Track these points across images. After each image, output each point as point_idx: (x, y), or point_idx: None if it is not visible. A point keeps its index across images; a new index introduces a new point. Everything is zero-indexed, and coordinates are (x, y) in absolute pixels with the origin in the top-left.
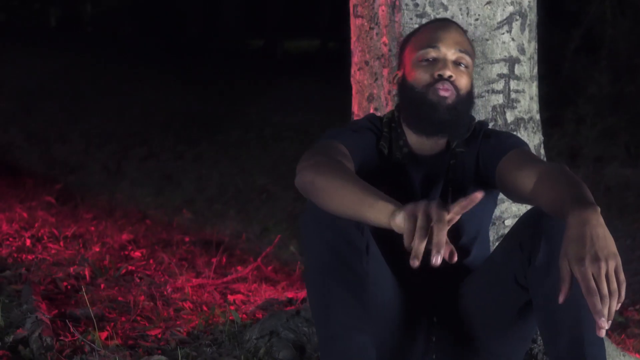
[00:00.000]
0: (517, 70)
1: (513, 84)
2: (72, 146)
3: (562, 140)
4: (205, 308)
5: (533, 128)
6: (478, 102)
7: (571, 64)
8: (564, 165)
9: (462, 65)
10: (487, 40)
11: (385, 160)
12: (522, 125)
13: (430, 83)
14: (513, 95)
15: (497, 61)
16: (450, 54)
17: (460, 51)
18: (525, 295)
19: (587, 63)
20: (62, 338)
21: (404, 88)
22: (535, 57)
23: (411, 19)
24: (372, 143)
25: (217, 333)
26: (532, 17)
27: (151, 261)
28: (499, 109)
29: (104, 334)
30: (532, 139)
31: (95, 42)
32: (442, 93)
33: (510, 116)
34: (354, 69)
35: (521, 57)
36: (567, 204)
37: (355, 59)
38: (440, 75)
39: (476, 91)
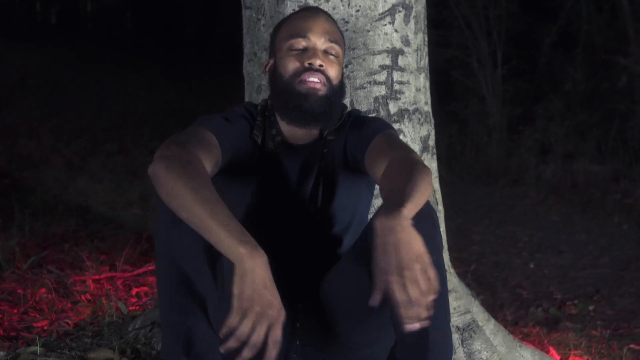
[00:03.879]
0: (401, 61)
1: (397, 75)
2: (39, 142)
3: (533, 136)
4: (104, 300)
5: (419, 119)
6: (360, 93)
7: (547, 60)
8: (410, 157)
9: (332, 55)
10: (369, 31)
11: (259, 149)
12: (406, 116)
13: (300, 71)
14: (397, 87)
15: (379, 52)
16: (320, 43)
17: (330, 40)
18: None
19: (563, 59)
20: None
21: (274, 76)
22: (424, 49)
23: (294, 9)
24: (246, 132)
25: (103, 325)
26: (419, 9)
27: (69, 254)
28: (381, 100)
29: None
30: (419, 130)
31: (90, 39)
32: (312, 85)
33: (393, 107)
34: (245, 60)
35: (405, 49)
36: (382, 207)
37: (246, 50)
38: (310, 64)
39: (358, 82)
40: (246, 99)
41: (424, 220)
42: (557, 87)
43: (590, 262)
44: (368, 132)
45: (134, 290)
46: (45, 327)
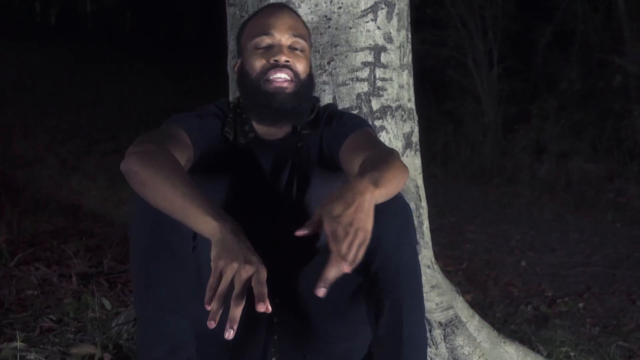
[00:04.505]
0: (384, 58)
1: (379, 72)
2: (34, 141)
3: (528, 135)
4: (89, 296)
5: (402, 116)
6: (342, 90)
7: (543, 59)
8: (394, 152)
9: (298, 50)
10: (351, 28)
11: (231, 146)
12: (389, 113)
13: (266, 69)
14: (379, 84)
15: (362, 49)
16: (285, 39)
17: (295, 35)
18: (357, 278)
19: (558, 59)
20: None
21: (242, 76)
22: (407, 46)
23: None
24: (218, 129)
25: (87, 320)
26: (402, 6)
27: (57, 251)
28: (363, 97)
29: None
30: (402, 127)
31: (90, 39)
32: (279, 83)
33: (375, 104)
34: (229, 57)
35: (388, 46)
36: (359, 178)
37: (230, 47)
38: (276, 61)
39: (340, 79)
40: (230, 96)
41: (397, 215)
42: (552, 86)
43: (582, 260)
44: (345, 128)
45: (120, 287)
46: (29, 323)
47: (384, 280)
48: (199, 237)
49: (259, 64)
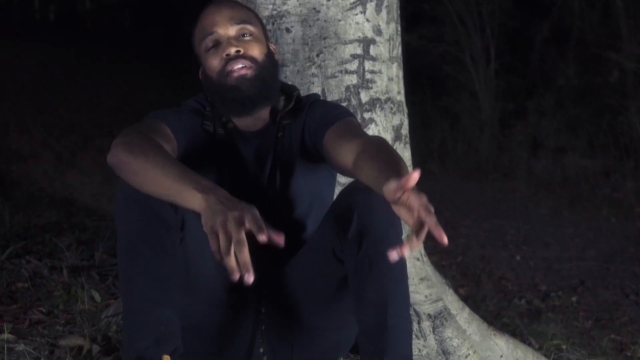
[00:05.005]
0: (373, 51)
1: (368, 65)
2: (30, 137)
3: (524, 131)
4: (79, 289)
5: (392, 108)
6: (331, 82)
7: (540, 55)
8: (383, 139)
9: (247, 35)
10: (340, 20)
11: (212, 139)
12: (378, 105)
13: (223, 66)
14: (368, 76)
15: (351, 42)
16: (229, 31)
17: (237, 24)
18: (342, 269)
19: (555, 55)
20: None
21: (206, 80)
22: (397, 38)
23: None
24: (198, 123)
25: (76, 312)
26: None
27: (49, 245)
28: (352, 89)
29: None
30: (391, 119)
31: (88, 36)
32: (238, 73)
33: (365, 96)
34: None
35: (377, 38)
36: (385, 178)
37: None
38: (227, 55)
39: (329, 71)
40: None
41: (384, 204)
42: (549, 82)
43: (576, 254)
44: (328, 117)
45: (111, 280)
46: (19, 315)
47: (369, 270)
48: (187, 230)
49: (214, 62)
